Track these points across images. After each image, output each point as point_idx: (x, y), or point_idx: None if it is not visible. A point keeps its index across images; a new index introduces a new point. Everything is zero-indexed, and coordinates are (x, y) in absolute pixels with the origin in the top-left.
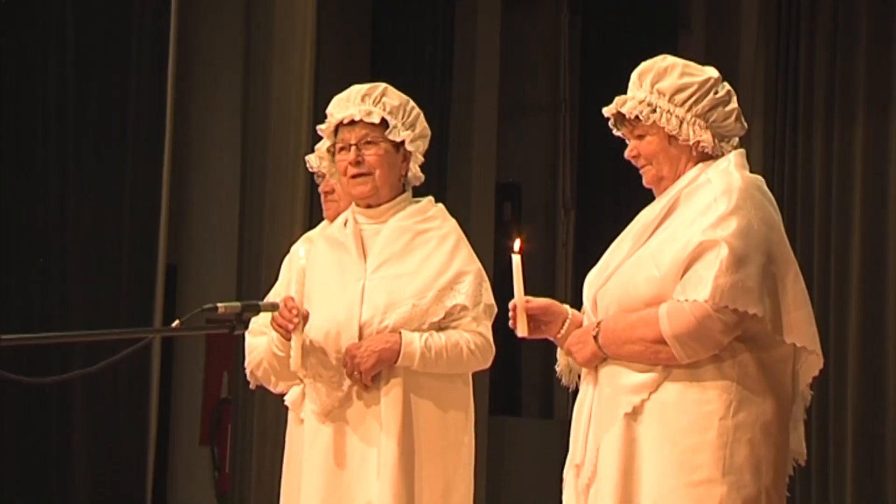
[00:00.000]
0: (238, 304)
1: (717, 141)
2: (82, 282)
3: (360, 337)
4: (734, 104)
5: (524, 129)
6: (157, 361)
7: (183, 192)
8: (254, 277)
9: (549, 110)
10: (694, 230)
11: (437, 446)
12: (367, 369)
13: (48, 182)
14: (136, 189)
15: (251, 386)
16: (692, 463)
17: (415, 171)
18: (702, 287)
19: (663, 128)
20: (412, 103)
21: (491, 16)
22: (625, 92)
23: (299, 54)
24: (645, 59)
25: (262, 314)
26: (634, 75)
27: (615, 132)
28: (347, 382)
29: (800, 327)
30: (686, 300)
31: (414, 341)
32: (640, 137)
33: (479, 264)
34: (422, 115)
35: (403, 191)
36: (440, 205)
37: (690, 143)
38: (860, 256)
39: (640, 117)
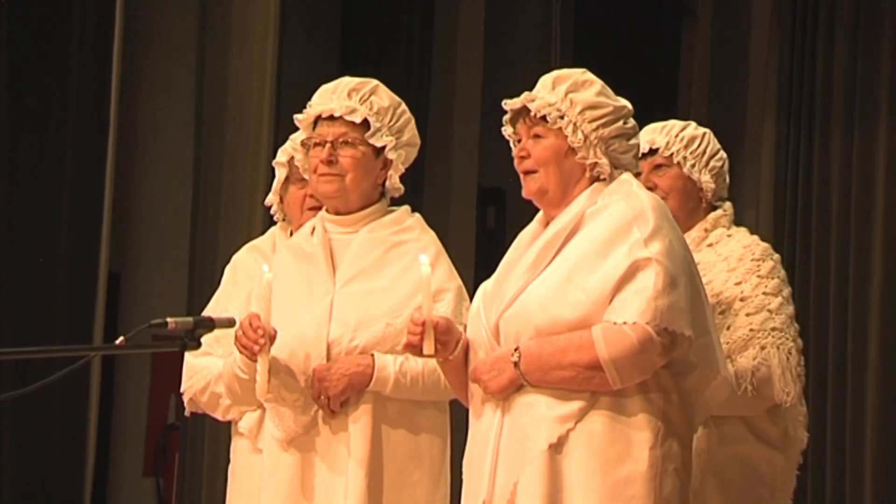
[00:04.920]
0: (190, 319)
1: (612, 168)
2: (14, 291)
3: (329, 357)
4: (637, 141)
5: None
6: (97, 382)
7: (128, 192)
8: (206, 289)
9: None
10: (619, 251)
11: (410, 477)
12: (336, 394)
13: None
14: (75, 189)
15: (186, 412)
16: (625, 494)
17: (394, 182)
18: (639, 308)
19: (566, 137)
20: (404, 107)
21: (474, 4)
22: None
23: (261, 44)
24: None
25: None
26: (548, 78)
27: (504, 132)
28: (314, 407)
29: (707, 353)
30: (624, 322)
31: (388, 365)
32: (537, 138)
33: (459, 281)
34: (412, 123)
35: (380, 200)
36: (417, 215)
37: (587, 163)
38: (882, 271)
39: (547, 119)
